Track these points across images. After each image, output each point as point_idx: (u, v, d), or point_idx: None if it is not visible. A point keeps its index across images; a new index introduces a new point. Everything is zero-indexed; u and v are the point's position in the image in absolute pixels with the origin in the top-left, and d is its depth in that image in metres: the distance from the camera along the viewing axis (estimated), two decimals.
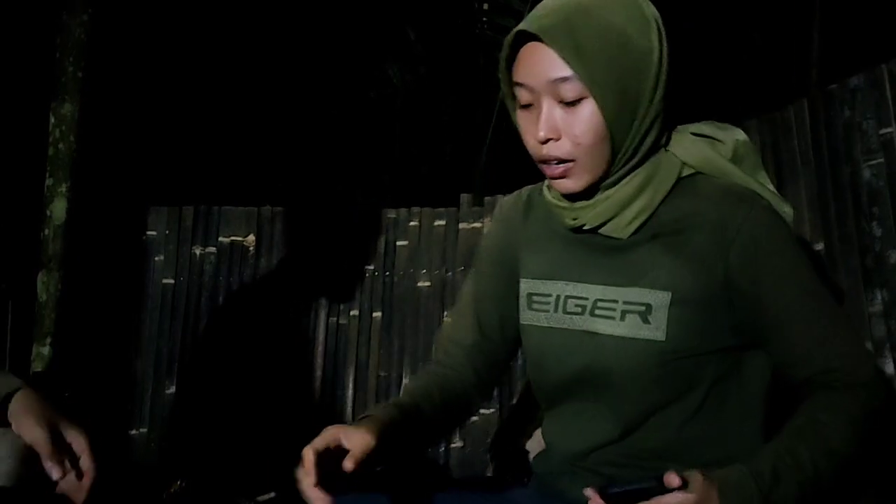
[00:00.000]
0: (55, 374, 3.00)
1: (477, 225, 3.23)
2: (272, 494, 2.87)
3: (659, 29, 1.18)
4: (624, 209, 1.21)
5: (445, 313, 3.18)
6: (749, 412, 1.23)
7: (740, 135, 1.27)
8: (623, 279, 1.22)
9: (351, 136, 4.76)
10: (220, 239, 3.35)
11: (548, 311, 1.29)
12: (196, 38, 4.38)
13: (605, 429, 1.23)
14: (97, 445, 1.31)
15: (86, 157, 3.09)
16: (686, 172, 1.23)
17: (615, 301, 1.22)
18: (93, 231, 3.24)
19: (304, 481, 1.08)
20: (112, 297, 3.29)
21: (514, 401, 3.10)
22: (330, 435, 1.12)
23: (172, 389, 3.27)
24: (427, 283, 3.25)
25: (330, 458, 1.10)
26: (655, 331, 1.18)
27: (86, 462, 1.28)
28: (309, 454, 1.08)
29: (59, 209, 3.02)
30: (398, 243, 3.32)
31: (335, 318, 3.29)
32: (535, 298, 1.32)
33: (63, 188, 3.02)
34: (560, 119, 1.17)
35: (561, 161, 1.18)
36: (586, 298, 1.25)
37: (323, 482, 1.07)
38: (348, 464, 1.10)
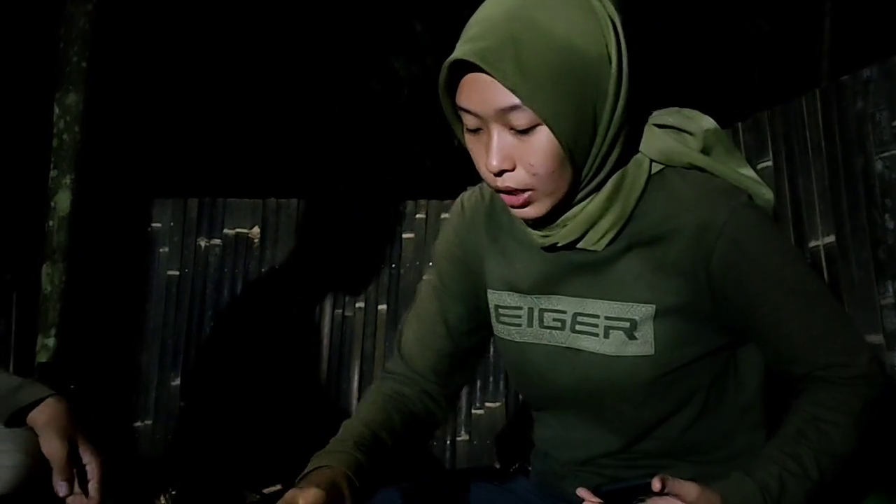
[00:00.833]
0: (60, 366, 2.99)
1: None
2: (278, 486, 2.86)
3: (616, 31, 1.07)
4: (596, 222, 1.12)
5: None
6: (749, 404, 1.19)
7: (708, 123, 1.16)
8: (602, 292, 1.15)
9: (356, 129, 4.74)
10: (225, 231, 3.34)
11: (520, 325, 1.22)
12: (201, 30, 4.37)
13: (605, 441, 1.20)
14: (109, 472, 1.30)
15: (90, 149, 3.08)
16: (655, 169, 1.14)
17: (596, 316, 1.15)
18: (97, 223, 3.23)
19: None
20: (117, 288, 3.28)
21: (521, 395, 3.09)
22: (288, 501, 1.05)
23: (177, 381, 3.27)
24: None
25: None
26: (643, 346, 1.12)
27: (94, 488, 1.28)
28: None
29: (63, 201, 3.01)
30: (404, 236, 3.31)
31: (341, 311, 3.28)
32: (502, 311, 1.24)
33: (67, 180, 3.01)
34: (513, 147, 1.07)
35: (519, 191, 1.08)
36: (564, 312, 1.17)
37: None
38: None
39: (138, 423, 3.25)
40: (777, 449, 1.09)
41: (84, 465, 1.28)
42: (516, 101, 1.03)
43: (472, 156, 1.12)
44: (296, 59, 4.63)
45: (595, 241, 1.13)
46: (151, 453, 3.21)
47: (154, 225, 3.34)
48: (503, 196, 1.11)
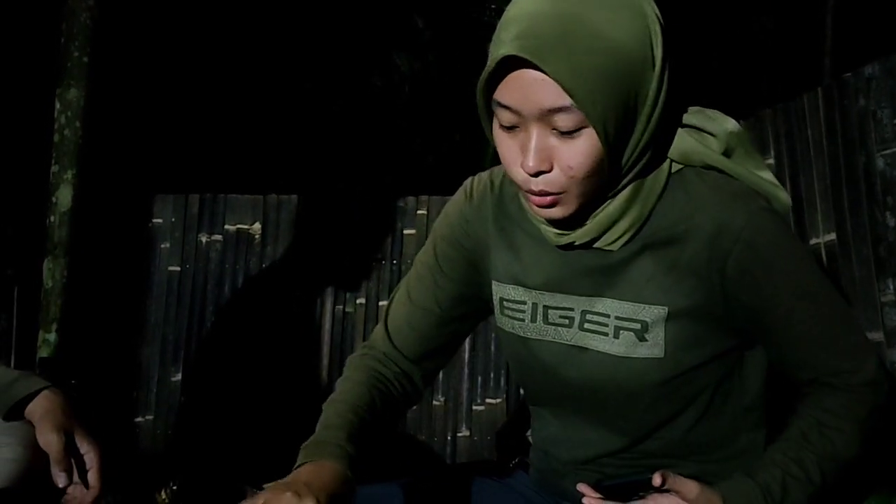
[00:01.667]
0: (61, 361, 2.99)
1: None
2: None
3: (664, 41, 1.05)
4: (614, 223, 1.11)
5: None
6: (751, 405, 1.19)
7: (732, 125, 1.14)
8: (613, 292, 1.13)
9: (357, 124, 4.74)
10: (226, 227, 3.34)
11: (523, 320, 1.20)
12: (203, 26, 4.36)
13: (606, 441, 1.19)
14: (108, 463, 1.30)
15: (92, 144, 3.07)
16: (674, 168, 1.12)
17: (606, 315, 1.13)
18: (99, 218, 3.23)
19: None
20: (118, 284, 3.28)
21: (522, 391, 3.09)
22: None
23: (178, 377, 3.27)
24: None
25: None
26: (653, 348, 1.11)
27: (94, 477, 1.27)
28: None
29: (64, 196, 3.01)
30: (406, 232, 3.31)
31: (342, 307, 3.28)
32: (506, 304, 1.22)
33: (69, 175, 3.01)
34: (553, 149, 1.03)
35: (550, 193, 1.05)
36: (571, 310, 1.16)
37: None
38: None
39: (139, 419, 3.25)
40: (780, 452, 1.09)
41: (83, 456, 1.28)
42: (566, 102, 1.00)
43: (502, 153, 1.09)
44: (297, 54, 4.62)
45: (612, 242, 1.11)
46: (152, 448, 3.21)
47: (155, 221, 3.34)
48: (530, 196, 1.07)
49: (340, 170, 4.60)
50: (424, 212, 3.31)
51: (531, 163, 1.03)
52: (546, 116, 1.01)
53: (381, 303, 3.27)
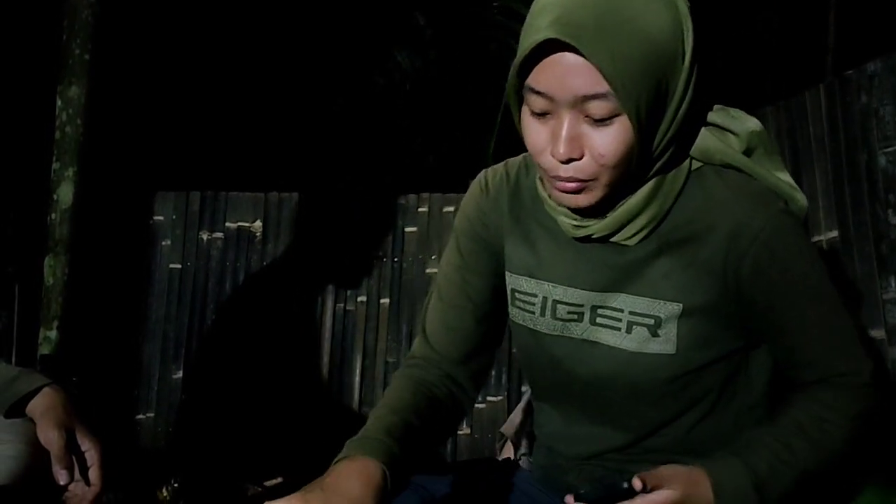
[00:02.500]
0: (62, 359, 2.99)
1: None
2: (279, 479, 2.86)
3: (694, 36, 1.06)
4: (634, 218, 1.11)
5: None
6: (755, 403, 1.20)
7: (755, 124, 1.15)
8: (629, 288, 1.13)
9: (358, 122, 4.74)
10: (227, 224, 3.34)
11: (533, 312, 1.20)
12: (205, 24, 4.36)
13: (611, 437, 1.19)
14: (109, 460, 1.29)
15: (93, 141, 3.07)
16: (694, 166, 1.13)
17: (620, 310, 1.13)
18: (100, 215, 3.22)
19: None
20: (119, 281, 3.29)
21: (524, 388, 3.09)
22: None
23: (179, 374, 3.27)
24: (436, 270, 3.22)
25: None
26: (665, 344, 1.12)
27: (95, 474, 1.27)
28: None
29: (65, 193, 3.00)
30: (407, 229, 3.30)
31: (343, 304, 3.28)
32: (518, 296, 1.23)
33: (70, 172, 3.01)
34: (584, 136, 1.04)
35: (579, 181, 1.06)
36: (581, 305, 1.16)
37: None
38: None
39: (140, 416, 3.25)
40: (770, 436, 1.09)
41: (84, 453, 1.27)
42: (602, 89, 1.00)
43: (531, 140, 1.08)
44: (298, 52, 4.62)
45: (629, 237, 1.11)
46: (153, 446, 3.21)
47: (156, 218, 3.34)
48: (556, 183, 1.07)
49: (341, 167, 4.60)
50: (425, 209, 3.30)
51: (562, 150, 1.03)
52: (580, 103, 1.02)
53: (382, 301, 3.27)
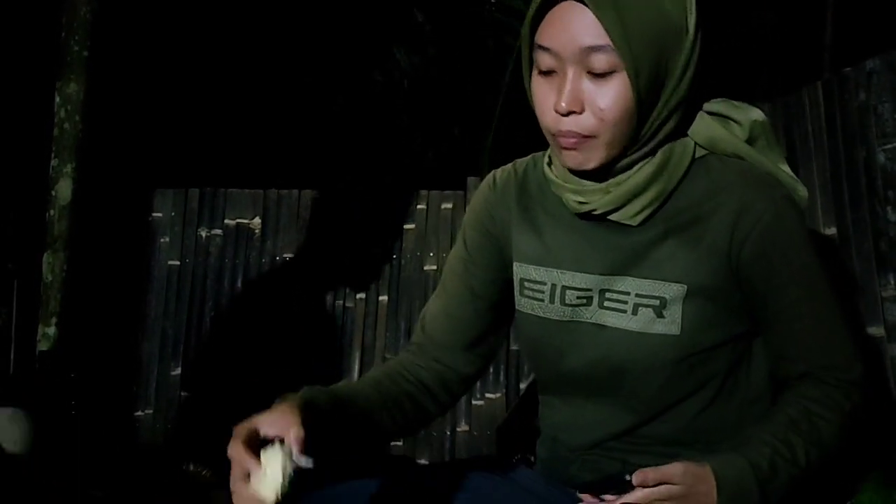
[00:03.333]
0: (60, 355, 2.99)
1: None
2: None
3: (698, 12, 1.11)
4: (637, 196, 1.13)
5: None
6: (757, 396, 1.20)
7: (757, 114, 1.19)
8: (635, 271, 1.15)
9: (357, 119, 4.74)
10: (226, 221, 3.34)
11: (542, 300, 1.21)
12: (203, 21, 4.36)
13: (616, 421, 1.19)
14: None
15: (91, 138, 3.07)
16: (699, 153, 1.16)
17: (626, 293, 1.15)
18: (98, 212, 3.23)
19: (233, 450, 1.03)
20: (117, 278, 3.29)
21: (522, 385, 3.09)
22: (244, 430, 1.05)
23: (178, 371, 3.27)
24: (434, 267, 3.24)
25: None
26: (670, 325, 1.13)
27: None
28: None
29: (64, 190, 3.01)
30: (405, 227, 3.31)
31: (342, 302, 3.28)
32: (527, 285, 1.24)
33: (68, 169, 3.01)
34: (586, 91, 1.08)
35: (579, 136, 1.09)
36: (589, 290, 1.17)
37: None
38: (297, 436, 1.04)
39: (139, 413, 3.25)
40: (769, 434, 1.10)
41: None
42: (604, 41, 1.05)
43: (538, 99, 1.12)
44: (298, 49, 4.62)
45: (632, 215, 1.13)
46: (151, 442, 3.21)
47: (155, 215, 3.34)
48: (559, 139, 1.11)
49: (340, 165, 4.60)
50: (424, 207, 3.31)
51: (564, 101, 1.08)
52: (583, 57, 1.06)
53: (380, 298, 3.27)
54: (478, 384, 3.18)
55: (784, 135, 2.54)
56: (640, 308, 1.14)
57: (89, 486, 2.52)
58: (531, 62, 1.13)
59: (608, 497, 1.07)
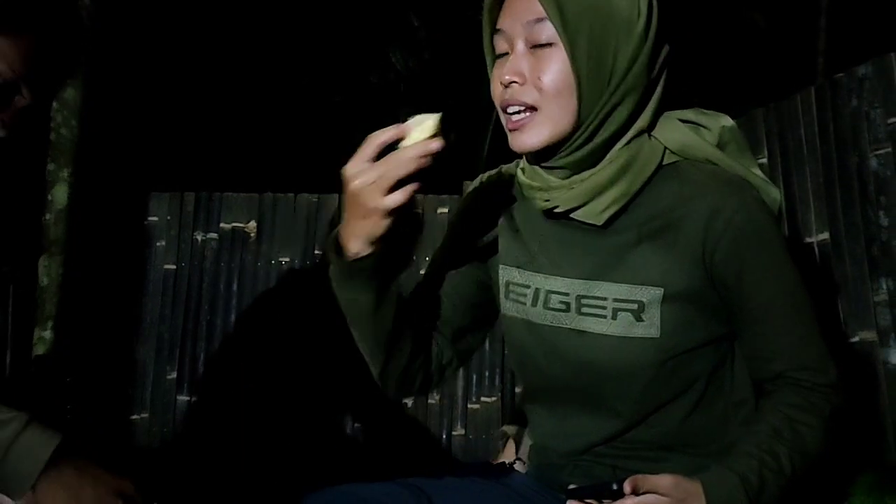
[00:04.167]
0: (56, 359, 2.99)
1: None
2: None
3: (650, 7, 1.15)
4: (600, 194, 1.15)
5: None
6: (742, 399, 1.21)
7: (726, 121, 1.21)
8: (610, 275, 1.16)
9: (353, 121, 4.74)
10: (222, 225, 3.34)
11: (525, 303, 1.23)
12: (199, 25, 4.36)
13: (603, 427, 1.20)
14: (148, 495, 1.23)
15: (88, 143, 3.08)
16: (669, 159, 1.17)
17: (604, 298, 1.16)
18: (94, 216, 3.23)
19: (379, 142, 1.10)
20: (113, 282, 3.28)
21: (518, 389, 3.10)
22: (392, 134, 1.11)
23: (173, 375, 3.27)
24: None
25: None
26: (649, 328, 1.14)
27: None
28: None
29: (60, 194, 3.01)
30: (402, 230, 3.30)
31: (338, 304, 3.28)
32: (511, 288, 1.26)
33: (65, 173, 3.01)
34: (528, 64, 1.14)
35: (521, 111, 1.14)
36: (567, 294, 1.19)
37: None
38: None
39: (134, 417, 3.25)
40: (754, 445, 1.11)
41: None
42: (543, 14, 1.11)
43: (492, 83, 1.18)
44: (293, 53, 4.62)
45: (597, 213, 1.14)
46: (147, 446, 3.21)
47: (151, 219, 3.34)
48: (505, 120, 1.15)
49: (336, 168, 4.59)
50: (419, 211, 3.31)
51: (506, 74, 1.14)
52: (527, 31, 1.13)
53: None
54: (473, 388, 3.18)
55: (778, 140, 2.55)
56: (619, 312, 1.16)
57: None
58: (494, 54, 1.19)
59: None
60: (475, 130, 3.96)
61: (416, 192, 1.09)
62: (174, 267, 3.31)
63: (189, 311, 3.30)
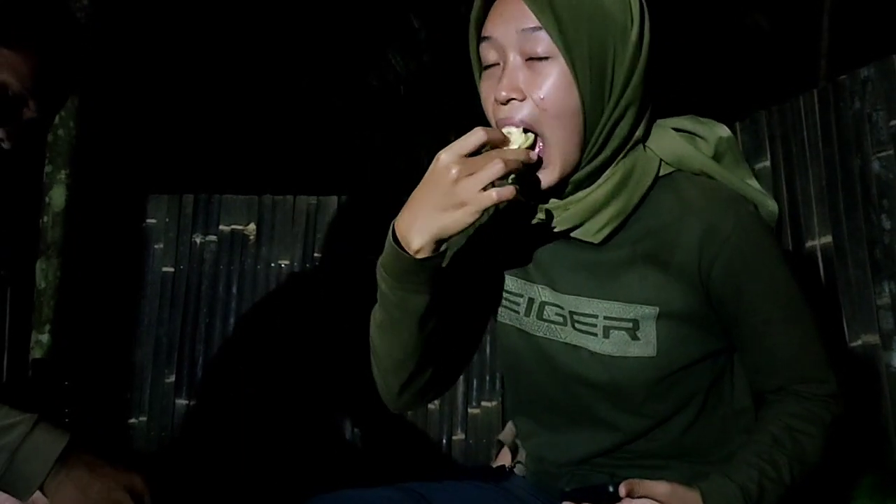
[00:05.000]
0: (54, 362, 2.98)
1: None
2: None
3: (642, 12, 1.09)
4: (597, 213, 1.10)
5: None
6: (743, 407, 1.20)
7: (723, 131, 1.17)
8: (602, 292, 1.14)
9: (353, 124, 4.74)
10: (221, 227, 3.33)
11: (518, 312, 1.21)
12: (197, 26, 4.35)
13: (600, 440, 1.19)
14: (160, 490, 1.22)
15: (85, 144, 3.06)
16: (664, 171, 1.14)
17: (594, 316, 1.14)
18: (92, 219, 3.21)
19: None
20: (111, 285, 3.27)
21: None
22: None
23: (172, 378, 3.26)
24: None
25: None
26: (646, 346, 1.12)
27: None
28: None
29: (58, 196, 3.00)
30: None
31: (336, 308, 3.27)
32: (506, 296, 1.24)
33: (62, 175, 3.00)
34: (526, 78, 1.06)
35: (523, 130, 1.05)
36: (562, 308, 1.17)
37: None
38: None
39: (132, 420, 3.24)
40: (755, 454, 1.10)
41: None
42: (537, 23, 1.04)
43: (483, 96, 1.11)
44: (292, 54, 4.61)
45: (594, 233, 1.11)
46: (145, 450, 3.20)
47: (149, 221, 3.33)
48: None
49: (335, 170, 4.59)
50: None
51: (503, 90, 1.06)
52: (522, 42, 1.05)
53: (376, 303, 3.26)
54: (473, 392, 3.17)
55: (780, 142, 2.54)
56: (611, 331, 1.13)
57: None
58: (480, 64, 1.12)
59: None
60: None
61: (515, 195, 1.00)
62: (172, 269, 3.30)
63: (188, 313, 3.29)
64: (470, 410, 3.15)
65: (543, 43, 1.04)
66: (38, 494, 1.16)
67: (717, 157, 1.16)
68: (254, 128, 4.55)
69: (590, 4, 1.05)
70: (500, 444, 1.43)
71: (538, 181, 1.08)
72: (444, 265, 1.09)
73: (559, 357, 1.18)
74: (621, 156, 1.12)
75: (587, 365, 1.15)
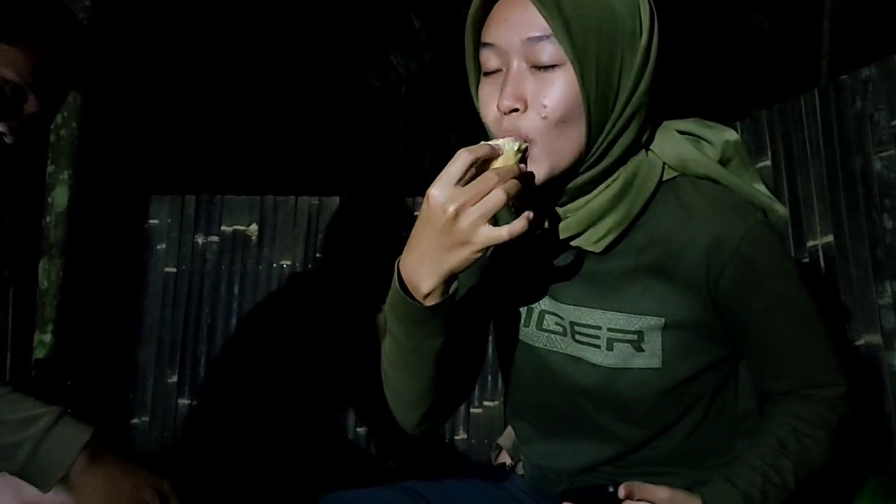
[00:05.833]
0: (57, 362, 2.98)
1: None
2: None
3: (652, 16, 1.05)
4: (598, 221, 1.07)
5: None
6: (746, 412, 1.19)
7: (730, 135, 1.14)
8: (605, 303, 1.11)
9: (354, 125, 4.74)
10: (223, 228, 3.33)
11: (517, 321, 1.20)
12: (200, 26, 4.36)
13: (601, 449, 1.17)
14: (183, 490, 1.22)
15: (88, 145, 3.07)
16: (667, 175, 1.10)
17: (597, 327, 1.11)
18: (95, 219, 3.22)
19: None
20: (114, 285, 3.28)
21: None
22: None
23: (174, 378, 3.26)
24: None
25: None
26: (651, 358, 1.10)
27: None
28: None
29: (60, 196, 3.00)
30: (402, 233, 3.28)
31: (339, 308, 3.28)
32: (506, 305, 1.22)
33: (65, 175, 3.00)
34: (530, 87, 1.01)
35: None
36: (562, 318, 1.14)
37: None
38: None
39: (135, 420, 3.24)
40: (759, 458, 1.09)
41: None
42: (547, 31, 0.99)
43: (482, 103, 1.06)
44: (294, 55, 4.62)
45: (595, 241, 1.08)
46: (148, 450, 3.20)
47: (151, 222, 3.33)
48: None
49: (337, 170, 4.59)
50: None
51: (506, 99, 1.01)
52: (527, 50, 1.00)
53: (378, 304, 3.26)
54: (476, 392, 3.17)
55: (781, 142, 2.54)
56: (615, 343, 1.11)
57: None
58: (477, 68, 1.08)
59: None
60: (476, 133, 3.94)
61: (531, 220, 0.94)
62: (175, 270, 3.30)
63: (190, 314, 3.29)
64: (472, 410, 3.15)
65: (550, 50, 1.00)
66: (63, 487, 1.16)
67: (723, 162, 1.13)
68: (255, 128, 4.55)
69: (599, 9, 1.01)
70: (499, 448, 1.43)
71: (532, 189, 1.04)
72: (456, 299, 1.05)
73: (560, 368, 1.16)
74: (624, 162, 1.09)
75: (588, 376, 1.14)
